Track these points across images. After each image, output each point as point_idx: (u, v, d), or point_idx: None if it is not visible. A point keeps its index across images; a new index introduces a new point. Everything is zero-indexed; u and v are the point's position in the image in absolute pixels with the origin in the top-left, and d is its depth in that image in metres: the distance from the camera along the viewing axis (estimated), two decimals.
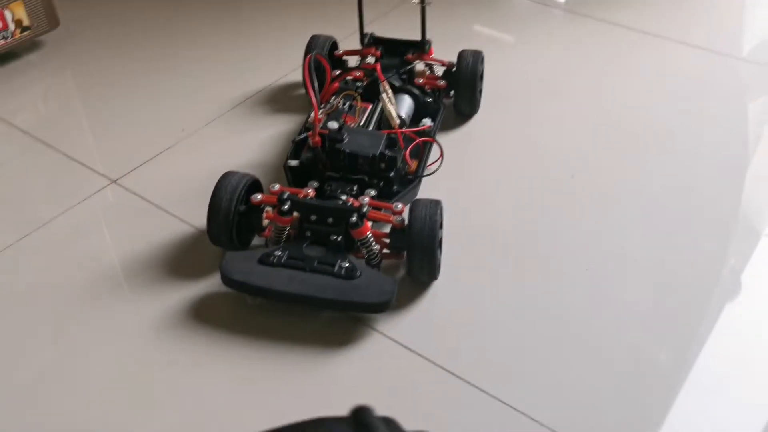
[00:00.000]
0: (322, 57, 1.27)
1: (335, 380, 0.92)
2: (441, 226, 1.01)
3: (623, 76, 1.51)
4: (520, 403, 0.89)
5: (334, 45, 1.39)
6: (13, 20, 1.45)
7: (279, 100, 1.41)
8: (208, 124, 1.35)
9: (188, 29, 1.66)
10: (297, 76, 1.43)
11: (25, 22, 1.48)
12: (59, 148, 1.29)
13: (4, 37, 1.44)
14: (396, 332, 0.97)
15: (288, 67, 1.47)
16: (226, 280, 0.98)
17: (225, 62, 1.55)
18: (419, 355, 0.95)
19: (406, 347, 0.96)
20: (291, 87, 1.45)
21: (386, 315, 0.99)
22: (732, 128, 1.37)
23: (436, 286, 1.03)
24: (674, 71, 1.51)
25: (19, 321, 1.00)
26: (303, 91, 1.42)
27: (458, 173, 1.22)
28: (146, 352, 0.95)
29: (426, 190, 1.15)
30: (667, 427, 0.87)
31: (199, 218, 1.09)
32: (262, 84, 1.45)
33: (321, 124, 1.09)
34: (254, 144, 1.30)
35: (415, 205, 1.00)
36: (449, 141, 1.28)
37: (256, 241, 1.08)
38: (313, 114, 1.12)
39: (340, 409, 0.64)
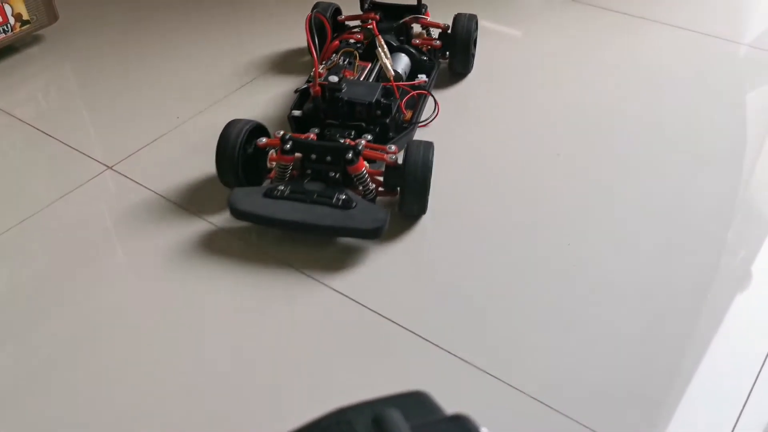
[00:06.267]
0: (323, 16, 1.36)
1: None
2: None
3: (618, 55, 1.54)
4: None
5: (337, 10, 1.48)
6: (12, 14, 1.48)
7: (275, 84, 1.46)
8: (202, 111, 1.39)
9: (185, 20, 1.69)
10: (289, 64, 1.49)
11: (25, 17, 1.51)
12: (58, 137, 1.33)
13: (4, 31, 1.48)
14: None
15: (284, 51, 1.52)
16: (234, 211, 1.07)
17: (220, 51, 1.59)
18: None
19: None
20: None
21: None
22: (731, 113, 1.35)
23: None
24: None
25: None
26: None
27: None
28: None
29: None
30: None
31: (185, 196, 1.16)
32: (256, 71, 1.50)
33: (322, 78, 1.18)
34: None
35: (411, 145, 1.09)
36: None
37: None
38: (314, 69, 1.21)
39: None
